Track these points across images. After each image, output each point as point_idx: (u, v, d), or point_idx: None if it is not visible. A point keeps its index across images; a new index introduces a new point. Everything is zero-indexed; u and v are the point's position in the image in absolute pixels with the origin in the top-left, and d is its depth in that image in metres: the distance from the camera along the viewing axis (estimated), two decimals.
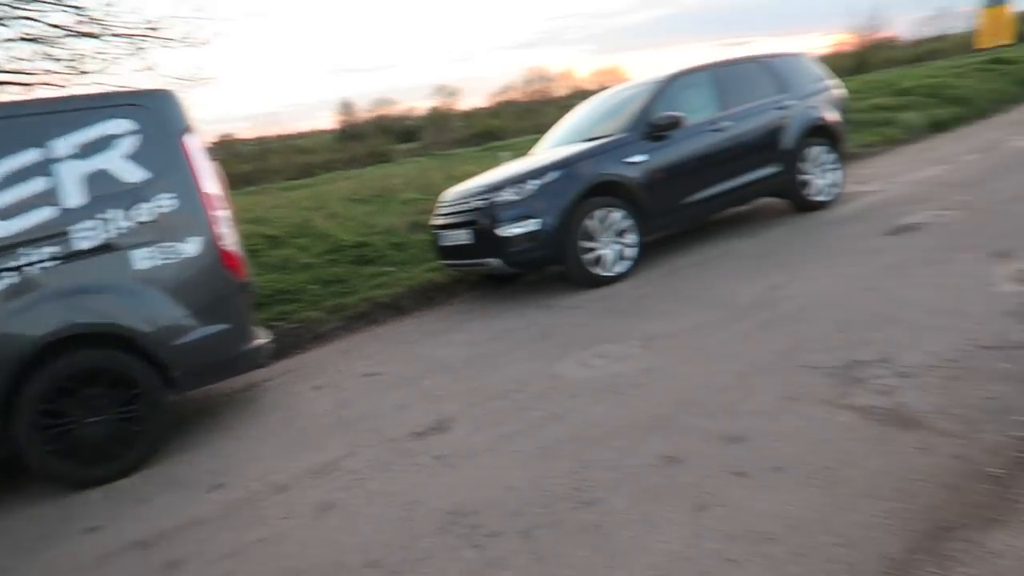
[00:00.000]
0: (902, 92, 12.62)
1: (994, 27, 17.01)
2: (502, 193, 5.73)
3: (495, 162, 8.62)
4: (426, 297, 6.56)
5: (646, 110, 6.19)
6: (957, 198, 6.23)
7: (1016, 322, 3.51)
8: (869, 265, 4.85)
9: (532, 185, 5.68)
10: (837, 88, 7.48)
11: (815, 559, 2.12)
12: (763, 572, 2.11)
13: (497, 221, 5.67)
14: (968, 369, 3.11)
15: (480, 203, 5.83)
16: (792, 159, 6.71)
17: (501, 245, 5.67)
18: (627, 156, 5.93)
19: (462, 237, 5.97)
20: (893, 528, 2.19)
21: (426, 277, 6.80)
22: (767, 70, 6.94)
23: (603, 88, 8.81)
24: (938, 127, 10.75)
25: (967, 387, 2.96)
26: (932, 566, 2.01)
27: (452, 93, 38.62)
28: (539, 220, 5.60)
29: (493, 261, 5.80)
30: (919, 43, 39.95)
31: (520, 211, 5.64)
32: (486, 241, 5.76)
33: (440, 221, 6.35)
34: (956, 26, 41.13)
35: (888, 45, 38.67)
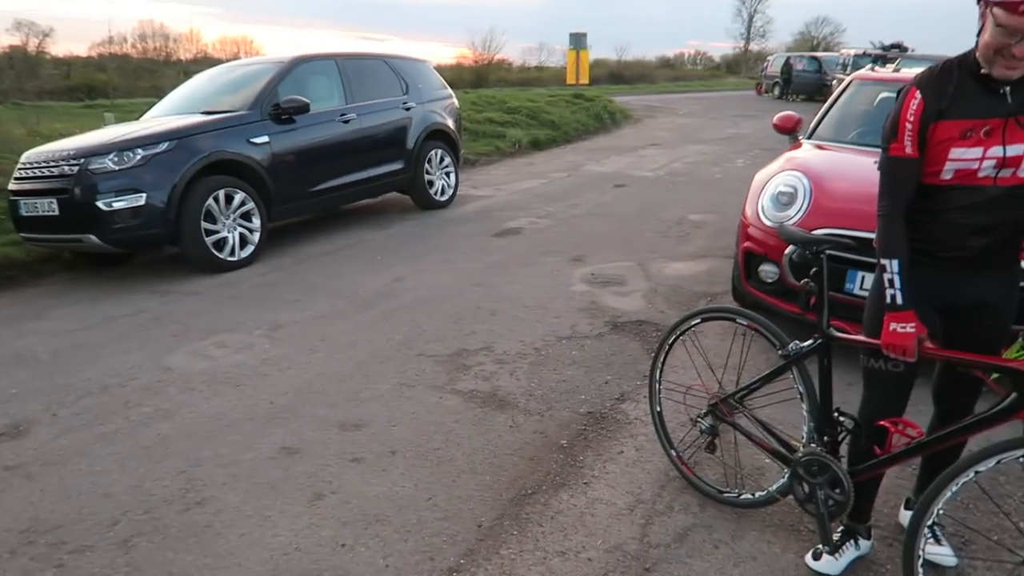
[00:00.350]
0: (510, 111, 14.31)
1: (576, 68, 20.36)
2: (103, 159, 4.99)
3: (100, 123, 7.47)
4: (1, 277, 5.38)
5: (271, 90, 5.96)
6: (548, 209, 7.32)
7: (584, 317, 4.27)
8: (479, 262, 5.42)
9: (139, 154, 5.06)
10: (453, 99, 8.14)
11: (421, 535, 2.31)
12: (374, 553, 2.23)
13: (94, 192, 4.92)
14: (549, 356, 3.70)
15: (72, 168, 4.99)
16: (415, 159, 7.14)
17: (98, 220, 4.94)
18: (250, 136, 5.64)
19: (48, 207, 5.05)
20: (487, 499, 2.50)
21: (0, 252, 5.57)
22: (393, 70, 7.25)
23: (235, 58, 8.24)
24: (537, 145, 12.47)
25: (547, 372, 3.52)
26: (514, 529, 2.35)
27: (44, 33, 32.11)
28: (146, 195, 5.01)
29: (88, 238, 5.02)
30: (526, 69, 45.72)
31: (123, 182, 4.98)
32: (79, 214, 4.96)
33: (18, 186, 5.28)
34: (553, 61, 48.18)
35: (501, 66, 43.44)
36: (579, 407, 3.17)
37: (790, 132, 4.92)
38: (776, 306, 3.79)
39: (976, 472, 1.66)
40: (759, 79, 32.41)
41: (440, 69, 8.78)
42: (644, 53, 55.74)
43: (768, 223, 3.82)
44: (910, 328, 1.80)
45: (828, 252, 2.11)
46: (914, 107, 1.80)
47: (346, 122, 6.43)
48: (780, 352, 2.21)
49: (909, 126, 1.80)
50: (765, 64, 32.96)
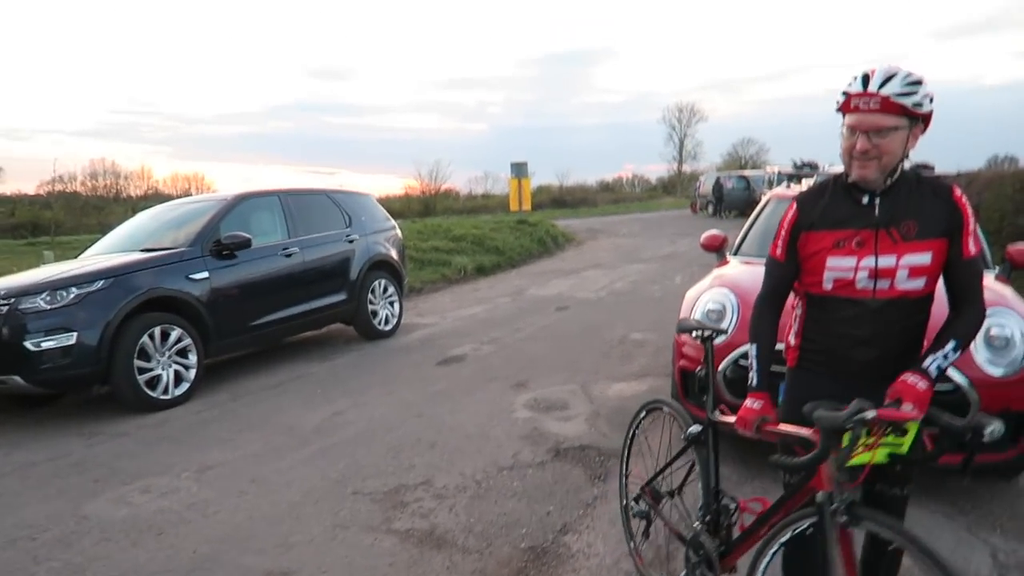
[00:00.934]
0: (456, 238, 14.70)
1: (519, 195, 21.15)
2: (34, 299, 4.89)
3: (39, 261, 7.37)
4: None
5: (212, 227, 6.02)
6: (492, 334, 7.37)
7: (527, 444, 4.23)
8: (422, 392, 5.36)
9: (73, 293, 4.98)
10: (396, 230, 8.33)
11: None
12: None
13: (22, 331, 4.79)
14: (490, 489, 3.61)
15: (1, 308, 4.87)
16: (358, 290, 7.19)
17: (24, 360, 4.78)
18: (189, 272, 5.64)
19: None
20: None
21: None
22: (337, 204, 7.44)
23: (186, 194, 8.35)
24: (482, 271, 12.73)
25: (488, 505, 3.43)
26: None
27: None
28: (78, 333, 4.89)
29: (12, 379, 4.83)
30: (472, 197, 47.35)
31: (54, 321, 4.87)
32: (4, 354, 4.80)
33: None
34: (498, 188, 50.04)
35: (448, 195, 44.98)
36: (520, 542, 3.07)
37: (717, 250, 5.16)
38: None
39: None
40: (693, 198, 34.20)
41: (389, 200, 9.15)
42: (584, 178, 58.67)
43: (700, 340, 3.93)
44: (757, 406, 1.91)
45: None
46: (790, 216, 1.97)
47: (288, 256, 6.50)
48: (682, 435, 2.33)
49: (783, 232, 1.97)
50: (698, 184, 34.93)
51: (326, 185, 8.27)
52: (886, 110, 1.70)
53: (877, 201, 1.83)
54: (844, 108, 1.77)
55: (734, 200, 28.39)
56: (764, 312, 2.05)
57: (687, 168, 63.87)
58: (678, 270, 12.37)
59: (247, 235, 6.01)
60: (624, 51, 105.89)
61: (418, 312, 8.89)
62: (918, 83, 1.71)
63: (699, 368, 2.30)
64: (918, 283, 1.83)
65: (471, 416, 4.78)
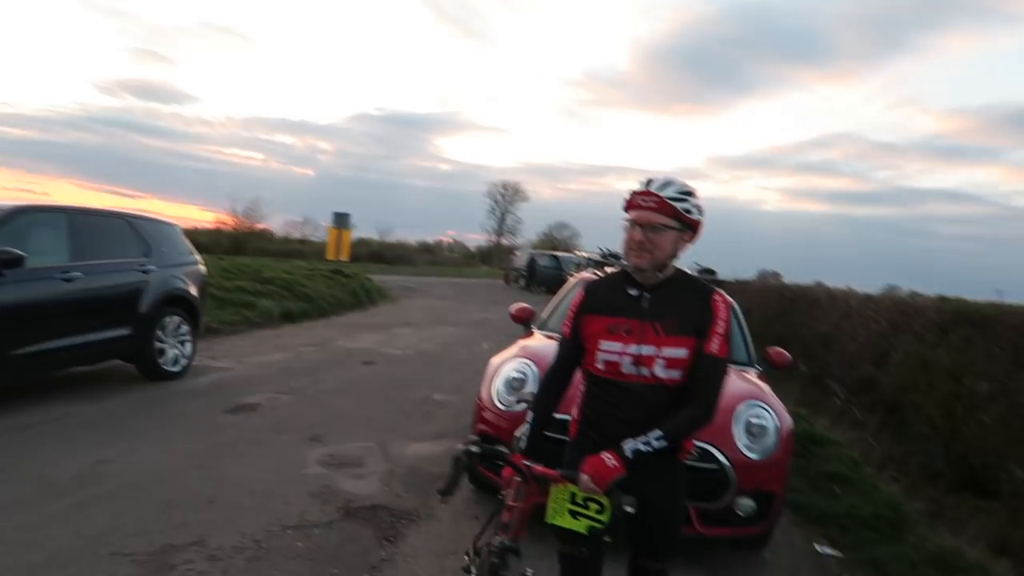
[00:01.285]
0: (264, 280, 13.97)
1: (337, 244, 20.79)
2: None
3: None
4: None
5: None
6: (291, 384, 7.05)
7: (316, 502, 4.05)
8: (205, 442, 4.97)
9: None
10: (200, 264, 7.80)
11: None
12: None
13: None
14: (271, 550, 3.40)
15: None
16: (147, 324, 6.57)
17: None
18: None
19: None
20: None
21: None
22: (136, 231, 6.80)
23: None
24: (288, 318, 12.18)
25: (266, 568, 3.22)
26: None
27: None
28: None
29: None
30: (288, 240, 45.51)
31: None
32: None
33: None
34: (317, 236, 48.63)
35: (263, 235, 42.85)
36: None
37: (524, 322, 5.38)
38: None
39: None
40: (507, 271, 35.47)
41: (197, 231, 8.46)
42: (406, 237, 58.53)
43: (501, 407, 4.06)
44: (523, 464, 2.05)
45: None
46: (577, 300, 2.20)
47: (68, 280, 5.79)
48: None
49: (571, 313, 2.19)
50: (513, 258, 36.35)
51: (127, 209, 7.56)
52: (661, 209, 1.96)
53: (647, 296, 2.04)
54: (628, 206, 2.02)
55: (545, 277, 29.84)
56: (549, 384, 2.25)
57: (505, 241, 66.43)
58: (486, 336, 12.68)
59: (20, 252, 5.31)
60: (462, 125, 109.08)
61: (212, 354, 8.28)
62: (690, 193, 2.01)
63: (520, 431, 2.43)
64: (675, 373, 1.99)
65: (257, 470, 4.50)
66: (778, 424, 3.91)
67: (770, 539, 3.97)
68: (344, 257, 21.31)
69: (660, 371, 1.99)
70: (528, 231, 69.50)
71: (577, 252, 27.49)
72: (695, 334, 1.99)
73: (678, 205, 1.97)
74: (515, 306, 5.47)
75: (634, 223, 1.99)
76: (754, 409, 3.96)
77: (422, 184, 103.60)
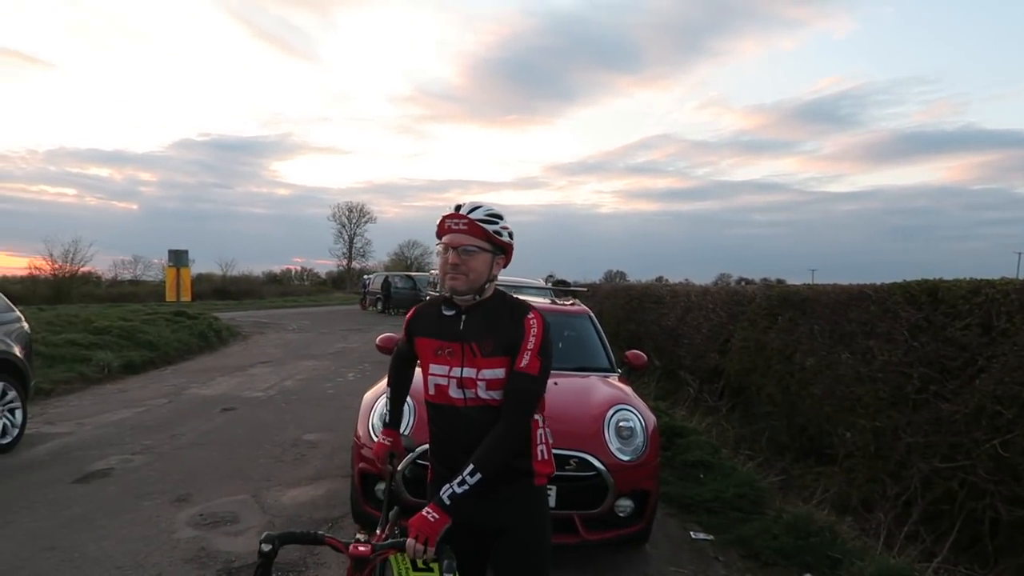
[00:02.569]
0: (98, 331, 12.84)
1: (177, 284, 19.46)
2: None
3: None
4: None
5: None
6: (145, 442, 6.54)
7: (192, 568, 3.81)
8: (53, 519, 4.51)
9: None
10: (22, 321, 7.06)
11: None
12: None
13: None
14: None
15: None
16: None
17: None
18: None
19: None
20: None
21: None
22: None
23: None
24: (131, 369, 11.25)
25: None
26: None
27: None
28: None
29: None
30: (117, 283, 42.01)
31: None
32: None
33: None
34: (151, 275, 45.27)
35: (88, 280, 39.24)
36: None
37: (391, 352, 5.34)
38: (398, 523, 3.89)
39: None
40: (363, 295, 34.86)
41: (7, 280, 7.63)
42: (250, 269, 55.84)
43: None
44: (388, 441, 2.35)
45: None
46: (408, 316, 2.27)
47: None
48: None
49: (403, 329, 2.27)
50: (367, 281, 35.78)
51: None
52: (472, 232, 1.99)
53: (464, 318, 2.05)
54: (440, 231, 2.05)
55: (402, 299, 29.67)
56: (397, 367, 2.44)
57: (356, 265, 65.20)
58: (351, 366, 12.41)
59: None
60: (295, 147, 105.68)
61: (47, 419, 7.49)
62: (499, 216, 2.06)
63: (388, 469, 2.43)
64: (495, 394, 1.99)
65: (121, 542, 4.15)
66: (644, 424, 4.17)
67: (650, 534, 4.22)
68: (186, 297, 19.94)
69: (483, 392, 2.00)
70: (379, 252, 68.79)
71: (432, 271, 27.47)
72: (508, 354, 1.99)
73: (488, 227, 2.00)
74: (381, 336, 5.42)
75: (447, 247, 2.02)
76: (621, 412, 4.20)
77: (261, 212, 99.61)
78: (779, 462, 6.66)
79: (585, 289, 13.12)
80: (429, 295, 14.79)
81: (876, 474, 5.27)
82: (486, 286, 2.06)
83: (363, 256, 66.55)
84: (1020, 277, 4.72)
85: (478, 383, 1.99)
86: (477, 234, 2.00)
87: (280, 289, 51.19)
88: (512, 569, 2.07)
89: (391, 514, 2.20)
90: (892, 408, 5.20)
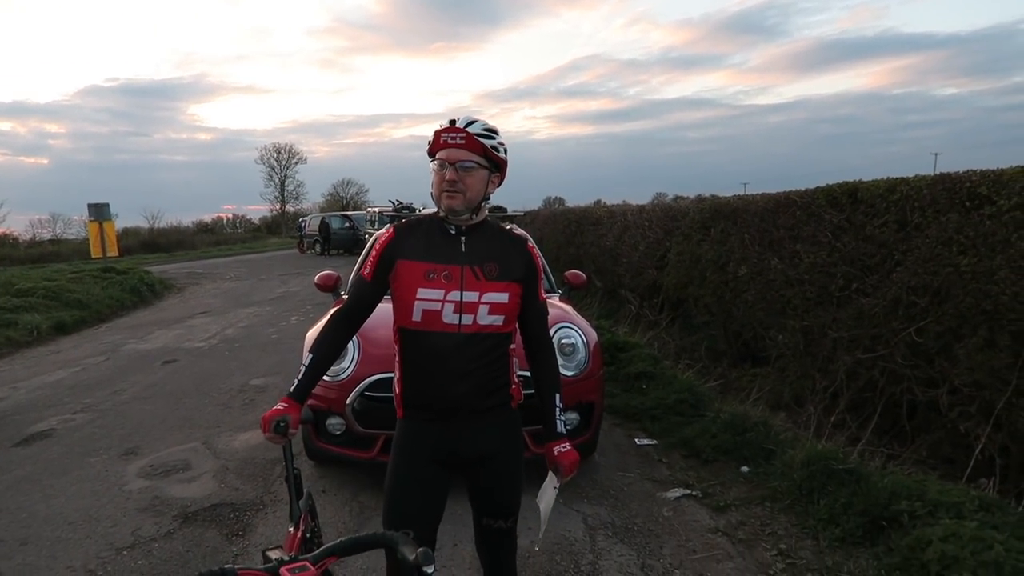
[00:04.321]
0: (22, 293, 12.28)
1: (100, 239, 18.68)
2: None
3: None
4: None
5: None
6: (85, 401, 6.40)
7: (148, 517, 3.82)
8: None
9: None
10: None
11: None
12: None
13: None
14: (111, 575, 3.18)
15: None
16: None
17: None
18: None
19: None
20: None
21: None
22: None
23: None
24: (61, 330, 10.86)
25: None
26: None
27: None
28: None
29: None
30: (36, 244, 40.03)
31: None
32: None
33: None
34: (72, 232, 43.25)
35: (5, 242, 37.26)
36: None
37: (331, 289, 5.29)
38: (350, 455, 3.96)
39: None
40: (300, 238, 34.12)
41: None
42: (179, 219, 53.89)
43: (327, 378, 4.02)
44: (282, 407, 1.91)
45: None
46: (384, 238, 2.05)
47: None
48: None
49: (375, 254, 2.03)
50: (303, 224, 34.98)
51: None
52: (470, 147, 1.91)
53: (463, 239, 1.98)
54: (434, 147, 1.96)
55: (340, 240, 29.21)
56: (334, 329, 2.06)
57: (290, 208, 63.47)
58: (292, 310, 12.25)
59: None
60: (213, 89, 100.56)
61: None
62: (495, 131, 2.00)
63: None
64: (497, 319, 1.96)
65: (71, 499, 4.11)
66: (586, 340, 4.29)
67: (596, 443, 4.40)
68: (112, 252, 19.24)
69: (483, 317, 1.94)
70: (313, 194, 67.25)
71: (369, 209, 26.99)
72: (518, 281, 2.01)
73: (486, 142, 1.93)
74: (319, 274, 5.35)
75: (444, 162, 1.92)
76: (563, 330, 4.30)
77: (184, 159, 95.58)
78: (717, 368, 6.96)
79: (522, 214, 13.13)
80: (368, 233, 14.71)
81: (806, 370, 5.57)
82: (482, 204, 2.00)
83: (296, 199, 64.74)
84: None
85: (480, 307, 1.93)
86: (475, 148, 1.92)
87: (213, 239, 49.58)
88: (499, 493, 2.10)
89: (300, 503, 1.96)
90: (818, 307, 5.46)
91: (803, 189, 6.10)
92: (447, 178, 1.91)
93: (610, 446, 4.87)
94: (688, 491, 4.11)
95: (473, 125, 1.95)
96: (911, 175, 4.87)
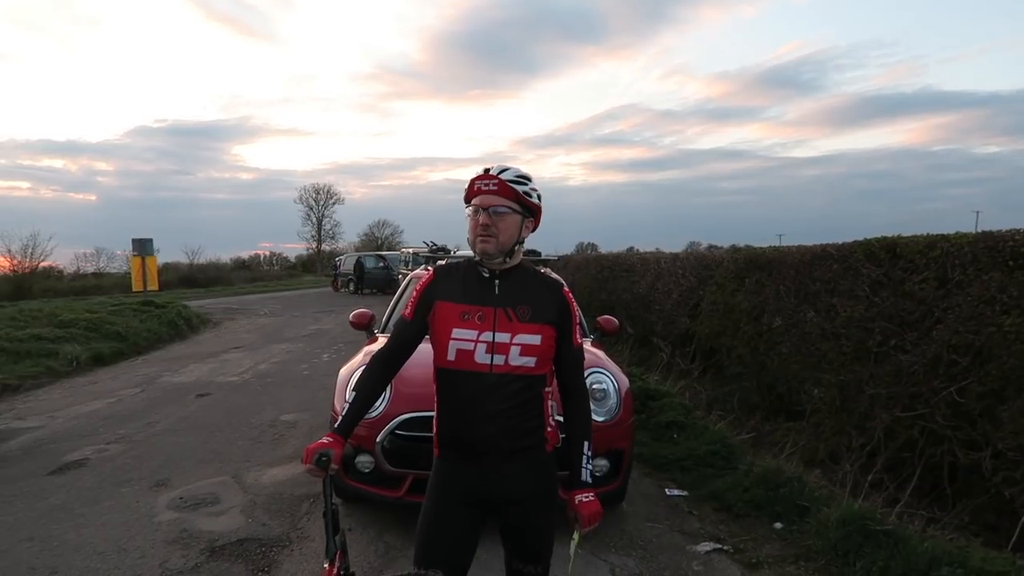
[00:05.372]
0: (64, 324, 12.62)
1: (143, 274, 19.15)
2: None
3: None
4: None
5: None
6: (119, 432, 6.50)
7: (176, 549, 3.84)
8: (31, 510, 4.49)
9: None
10: None
11: None
12: None
13: None
14: None
15: None
16: None
17: None
18: None
19: None
20: None
21: None
22: None
23: None
24: (100, 361, 11.09)
25: None
26: None
27: None
28: None
29: None
30: (80, 277, 41.11)
31: None
32: None
33: None
34: (115, 266, 44.37)
35: (49, 274, 38.37)
36: None
37: (365, 327, 5.35)
38: (378, 494, 3.95)
39: None
40: (334, 276, 34.60)
41: None
42: (218, 255, 54.97)
43: None
44: (326, 440, 1.97)
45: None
46: (425, 279, 2.14)
47: None
48: None
49: (416, 294, 2.11)
50: (338, 263, 35.51)
51: None
52: (503, 193, 1.99)
53: (497, 282, 2.04)
54: (469, 194, 2.04)
55: (374, 279, 29.56)
56: (376, 370, 2.11)
57: (326, 247, 64.49)
58: (325, 347, 12.37)
59: None
60: (257, 131, 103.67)
61: (17, 415, 7.40)
62: (527, 178, 2.07)
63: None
64: (529, 361, 1.99)
65: (101, 529, 4.16)
66: (617, 386, 4.27)
67: (626, 492, 4.33)
68: (153, 286, 19.66)
69: (515, 358, 1.98)
70: (349, 233, 68.14)
71: (403, 249, 27.34)
72: (552, 324, 2.04)
73: (518, 188, 2.00)
74: (354, 312, 5.42)
75: (477, 208, 2.00)
76: (595, 375, 4.29)
77: (225, 197, 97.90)
78: (750, 420, 6.83)
79: (556, 258, 13.18)
80: (402, 273, 14.92)
81: (842, 427, 5.44)
82: (515, 248, 2.06)
83: (333, 238, 65.79)
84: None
85: (512, 348, 1.97)
86: (507, 194, 1.99)
87: (249, 275, 50.48)
88: (530, 535, 2.09)
89: (336, 539, 1.93)
90: (855, 362, 5.36)
91: (840, 243, 6.05)
92: (480, 222, 1.99)
93: (639, 496, 4.79)
94: (719, 545, 4.01)
95: (506, 172, 2.03)
96: (951, 232, 4.81)
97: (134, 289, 19.71)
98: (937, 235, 4.90)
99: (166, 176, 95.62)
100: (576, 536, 2.07)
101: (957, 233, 4.75)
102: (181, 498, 4.66)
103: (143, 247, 19.38)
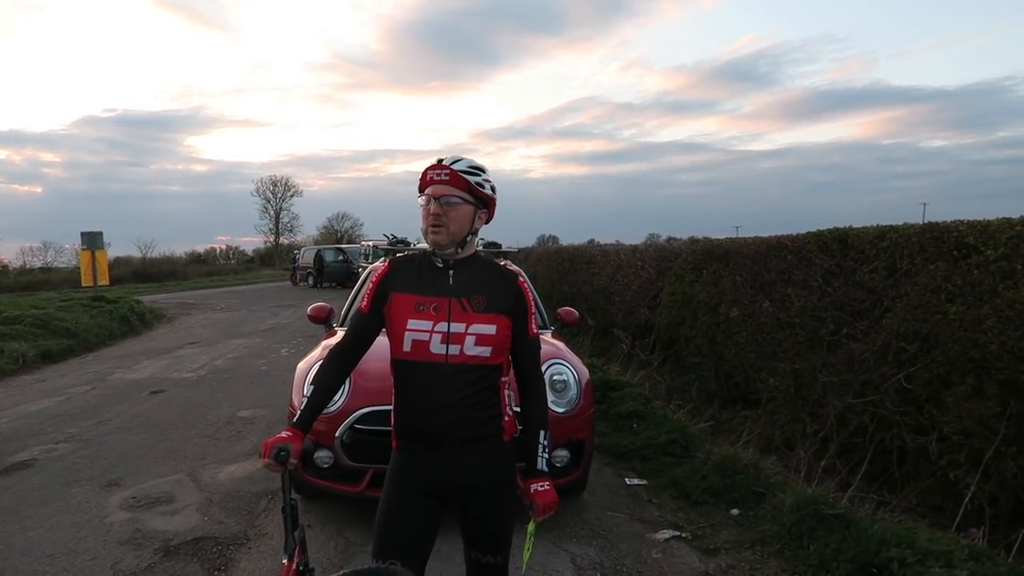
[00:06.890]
0: (9, 321, 12.18)
1: (92, 268, 18.58)
2: None
3: None
4: None
5: None
6: (69, 430, 6.31)
7: (129, 550, 3.74)
8: None
9: None
10: None
11: None
12: None
13: None
14: None
15: None
16: None
17: None
18: None
19: None
20: None
21: None
22: None
23: None
24: (48, 358, 10.76)
25: None
26: None
27: None
28: None
29: None
30: (26, 271, 39.80)
31: None
32: None
33: None
34: (63, 261, 43.05)
35: None
36: None
37: (324, 321, 5.28)
38: (337, 489, 3.91)
39: None
40: (293, 270, 34.10)
41: None
42: (172, 249, 53.76)
43: None
44: (285, 435, 1.95)
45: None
46: (380, 271, 2.12)
47: None
48: None
49: (372, 286, 2.09)
50: (296, 256, 35.00)
51: None
52: (454, 183, 1.98)
53: (451, 273, 2.04)
54: (422, 184, 2.04)
55: (333, 272, 29.22)
56: (334, 363, 2.10)
57: (284, 240, 63.55)
58: (283, 342, 12.19)
59: None
60: (210, 121, 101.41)
61: None
62: (481, 169, 2.06)
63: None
64: (484, 351, 1.99)
65: (50, 531, 4.03)
66: (578, 377, 4.29)
67: (587, 482, 4.36)
68: (103, 281, 19.06)
69: (470, 348, 1.97)
70: (308, 226, 67.19)
71: (363, 242, 27.05)
72: (507, 314, 2.03)
73: (470, 179, 2.00)
74: (312, 306, 5.35)
75: (429, 198, 1.99)
76: (555, 367, 4.30)
77: (179, 190, 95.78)
78: (708, 409, 6.94)
79: (517, 251, 13.19)
80: (361, 266, 14.79)
81: (796, 414, 5.56)
82: (468, 238, 2.04)
83: (291, 231, 64.91)
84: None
85: (467, 338, 1.97)
86: (459, 185, 1.98)
87: (205, 269, 49.46)
88: (490, 524, 2.08)
89: (295, 535, 1.87)
90: (809, 351, 5.48)
91: (794, 234, 6.17)
92: (432, 212, 1.98)
93: (600, 485, 4.83)
94: (677, 533, 4.07)
95: (459, 163, 2.02)
96: (900, 223, 4.95)
97: (83, 284, 19.08)
98: (886, 226, 5.03)
99: (116, 168, 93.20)
100: (531, 525, 2.08)
101: (905, 224, 4.89)
102: (134, 497, 4.55)
103: (93, 240, 18.77)
